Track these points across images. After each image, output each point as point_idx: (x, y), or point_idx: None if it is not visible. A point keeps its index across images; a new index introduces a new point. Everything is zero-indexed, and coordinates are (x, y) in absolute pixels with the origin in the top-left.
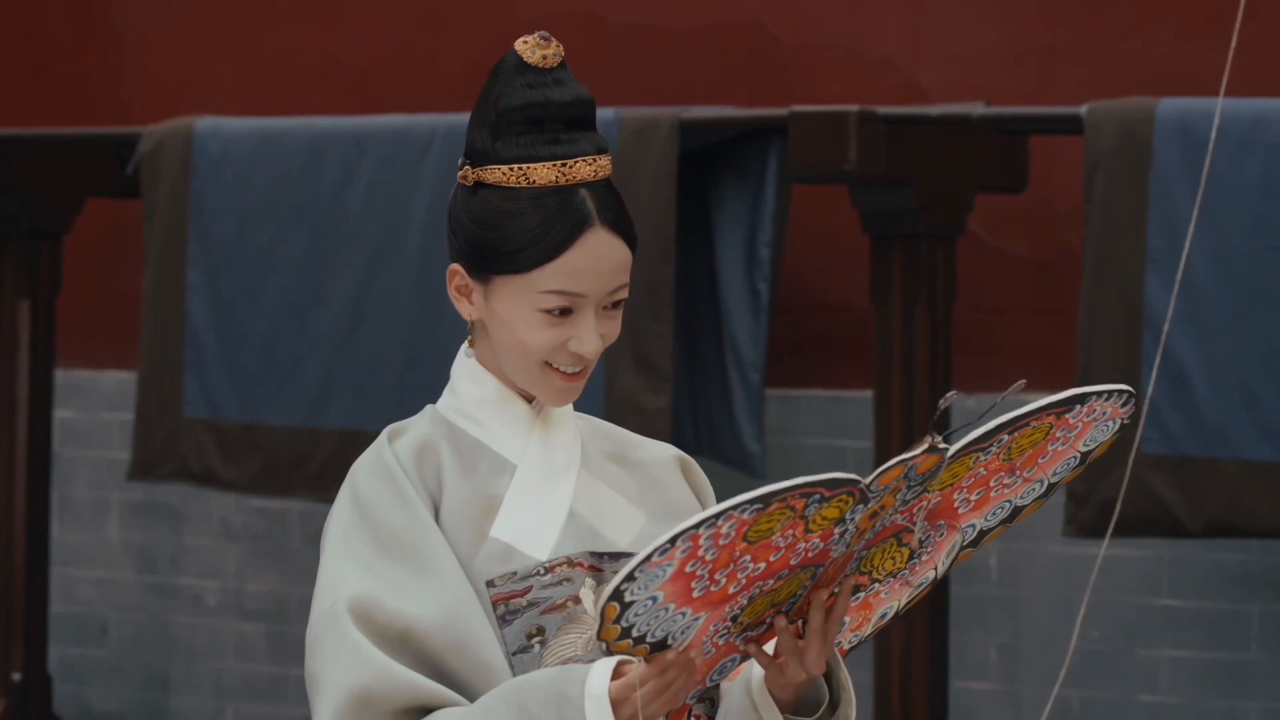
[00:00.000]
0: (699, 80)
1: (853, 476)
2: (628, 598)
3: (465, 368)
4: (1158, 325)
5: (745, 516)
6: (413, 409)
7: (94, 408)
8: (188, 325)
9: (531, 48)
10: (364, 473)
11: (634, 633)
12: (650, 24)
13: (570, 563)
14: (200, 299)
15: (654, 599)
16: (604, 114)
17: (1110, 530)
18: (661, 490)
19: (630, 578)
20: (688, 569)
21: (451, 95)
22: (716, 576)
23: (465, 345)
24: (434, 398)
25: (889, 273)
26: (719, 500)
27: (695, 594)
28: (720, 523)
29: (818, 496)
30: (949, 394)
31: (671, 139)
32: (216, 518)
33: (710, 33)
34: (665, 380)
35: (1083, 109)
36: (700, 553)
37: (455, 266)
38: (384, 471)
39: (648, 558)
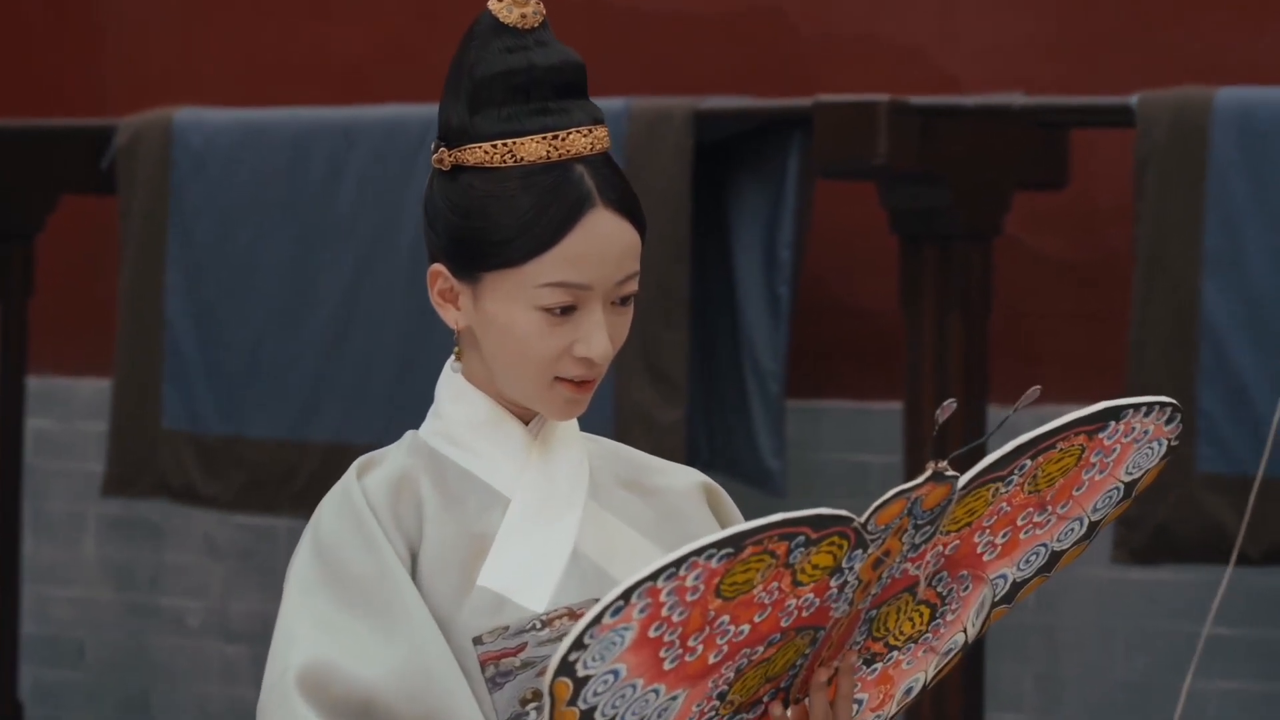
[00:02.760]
0: (713, 69)
1: (843, 513)
2: (581, 671)
3: (451, 386)
4: (1215, 333)
5: (714, 564)
6: (406, 421)
7: (70, 417)
8: (166, 330)
9: (508, 6)
10: (328, 513)
11: (597, 716)
12: (661, 9)
13: (572, 614)
14: (179, 302)
15: (615, 673)
16: (613, 104)
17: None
18: (682, 522)
19: (580, 645)
20: (652, 633)
21: None
22: (691, 643)
23: (451, 360)
24: (428, 409)
25: (920, 276)
26: None
27: (667, 665)
28: (683, 572)
29: (802, 539)
30: (947, 402)
31: (685, 131)
32: (199, 534)
33: (725, 19)
34: (679, 391)
35: (1133, 99)
36: (664, 612)
37: (437, 267)
38: (350, 512)
39: (597, 619)
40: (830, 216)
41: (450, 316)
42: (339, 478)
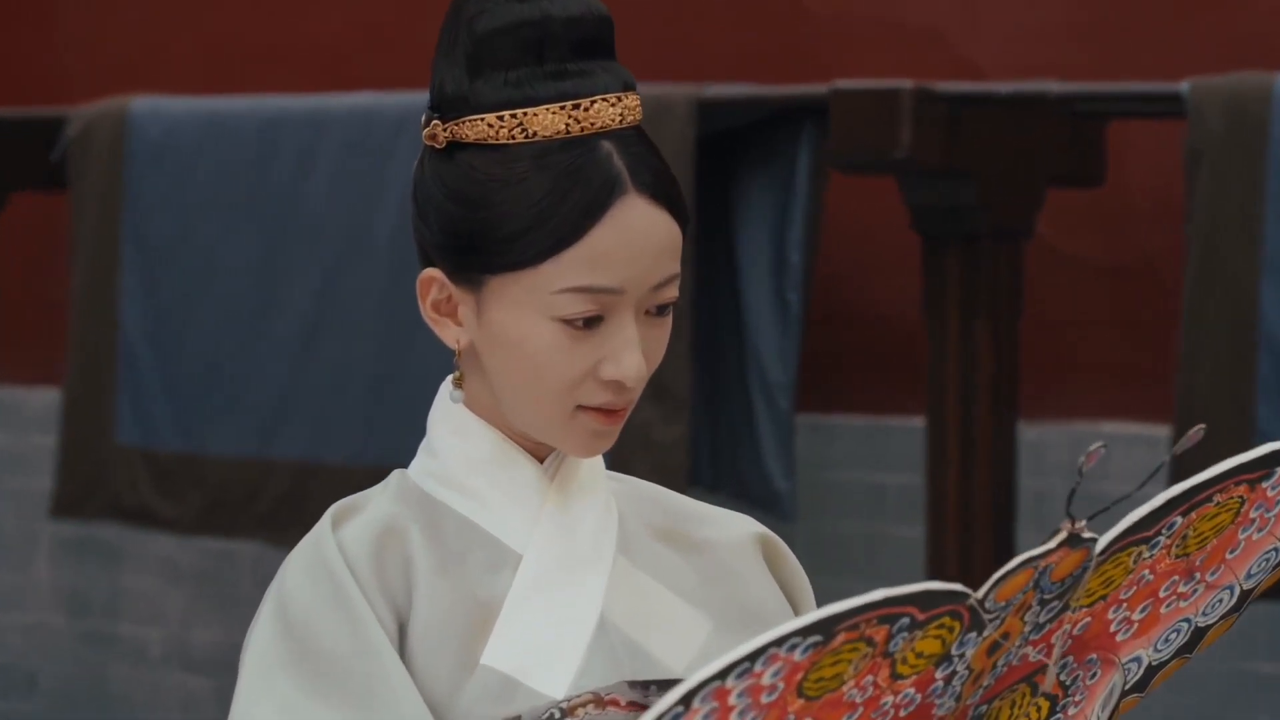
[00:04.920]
0: (718, 53)
1: (957, 588)
2: None
3: (448, 416)
4: (1275, 342)
5: (798, 657)
6: (381, 439)
7: (21, 429)
8: (120, 338)
9: None
10: (295, 573)
11: None
12: None
13: (599, 700)
14: (134, 307)
15: None
16: None
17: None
18: (734, 584)
19: None
20: None
21: (428, 73)
22: None
23: (448, 384)
24: (406, 425)
25: (944, 279)
26: (816, 596)
27: None
28: (759, 667)
29: (906, 621)
30: (1096, 446)
31: (688, 121)
32: (159, 557)
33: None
34: (681, 407)
35: (1183, 86)
36: (734, 718)
37: (430, 273)
38: (322, 572)
39: None
40: (845, 214)
41: (449, 334)
42: (306, 500)
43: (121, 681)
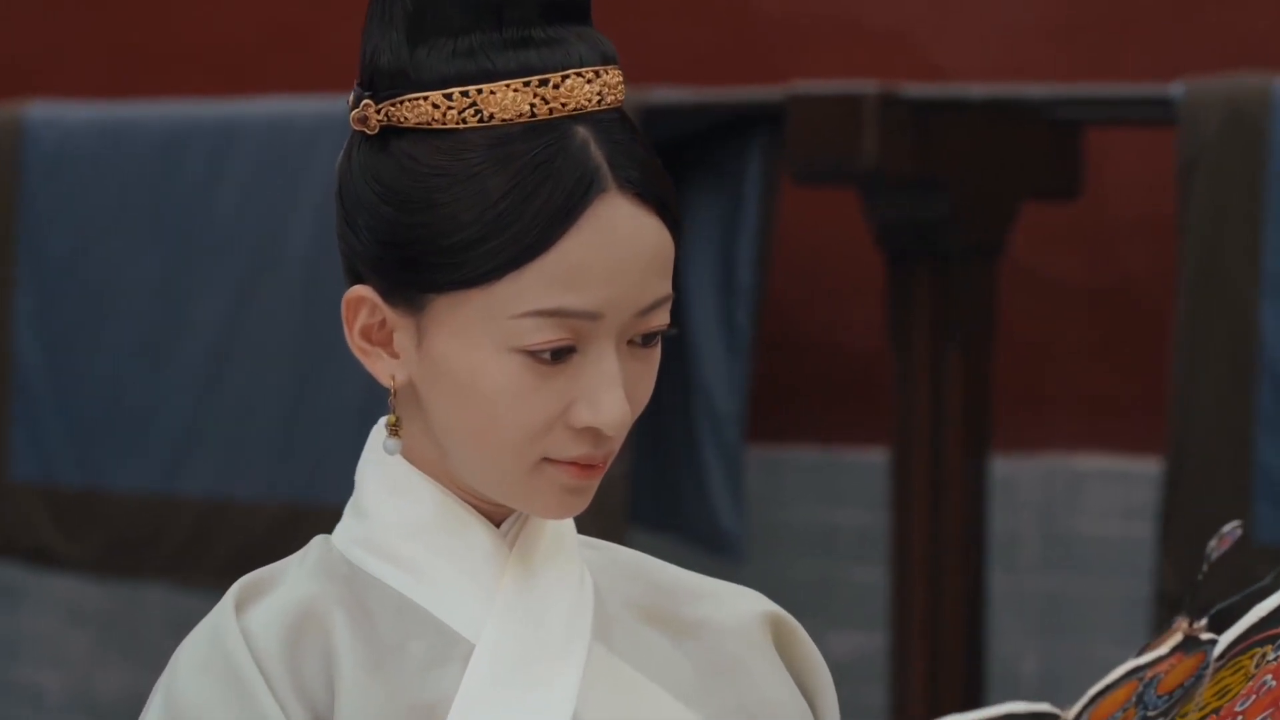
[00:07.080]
0: (663, 55)
1: (1045, 708)
2: None
3: (382, 470)
4: (1277, 369)
5: None
6: (295, 473)
7: None
8: (15, 365)
9: None
10: (189, 668)
11: None
12: None
13: None
14: (30, 332)
15: None
16: None
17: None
18: (737, 677)
19: None
20: None
21: (346, 75)
22: None
23: (381, 430)
24: (320, 461)
25: (912, 300)
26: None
27: None
28: None
29: None
30: (1231, 527)
31: None
32: (61, 598)
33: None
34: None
35: (1175, 89)
36: None
37: (359, 291)
38: (222, 668)
39: None
40: (801, 229)
41: (382, 368)
42: (213, 539)
43: None
